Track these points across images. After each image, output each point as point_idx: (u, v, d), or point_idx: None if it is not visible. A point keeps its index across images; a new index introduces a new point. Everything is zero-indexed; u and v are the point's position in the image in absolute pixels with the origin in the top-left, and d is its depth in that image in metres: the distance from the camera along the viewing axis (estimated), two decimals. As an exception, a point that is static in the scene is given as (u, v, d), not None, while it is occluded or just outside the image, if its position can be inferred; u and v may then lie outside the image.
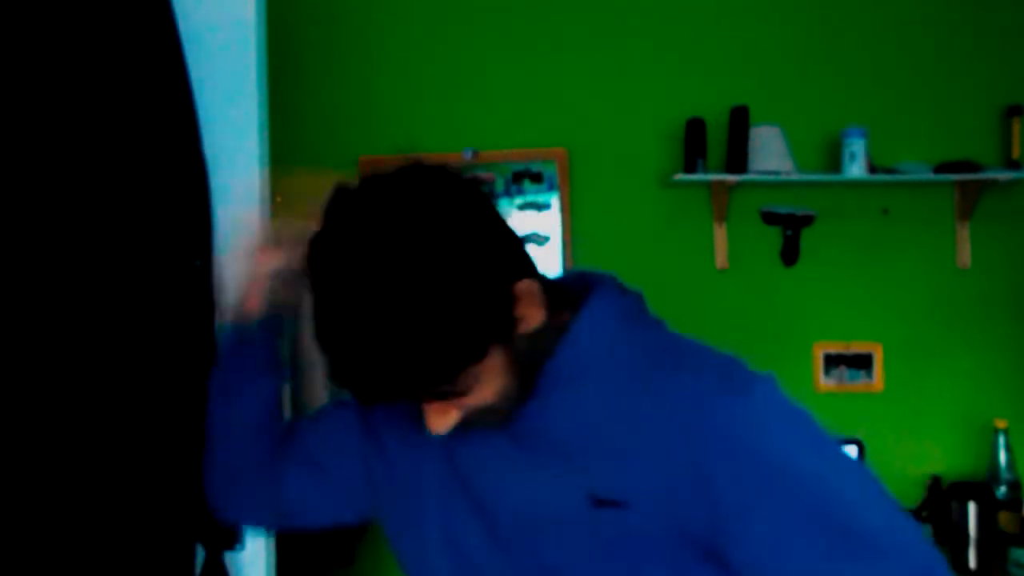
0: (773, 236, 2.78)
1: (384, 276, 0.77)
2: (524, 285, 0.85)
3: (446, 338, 0.78)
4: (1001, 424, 2.57)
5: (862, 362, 2.77)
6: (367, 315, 0.78)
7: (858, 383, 2.77)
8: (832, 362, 2.77)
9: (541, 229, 2.74)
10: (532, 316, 0.86)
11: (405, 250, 0.78)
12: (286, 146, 2.04)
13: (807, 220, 2.75)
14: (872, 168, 2.65)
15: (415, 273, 0.77)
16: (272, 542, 1.40)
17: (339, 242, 0.81)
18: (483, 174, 2.69)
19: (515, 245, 0.87)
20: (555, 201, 2.73)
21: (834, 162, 2.73)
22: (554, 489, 0.87)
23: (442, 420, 0.86)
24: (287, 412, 1.24)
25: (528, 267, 0.88)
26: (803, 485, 0.83)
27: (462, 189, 0.84)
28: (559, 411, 0.89)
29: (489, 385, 0.84)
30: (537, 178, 2.74)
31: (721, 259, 2.75)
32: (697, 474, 0.82)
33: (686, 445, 0.83)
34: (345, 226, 0.82)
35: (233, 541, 1.31)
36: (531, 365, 0.88)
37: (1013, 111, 2.72)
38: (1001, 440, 2.56)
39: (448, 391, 0.83)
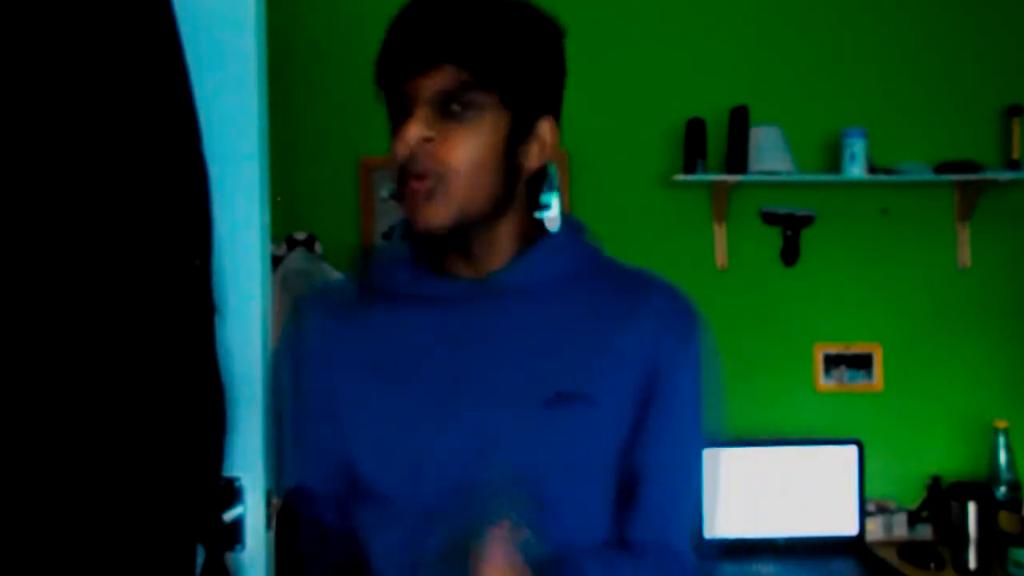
0: (773, 236, 2.78)
1: None
2: (552, 124, 0.98)
3: (523, 46, 0.93)
4: (1001, 424, 2.57)
5: (862, 362, 2.77)
6: None
7: (858, 383, 2.77)
8: (832, 362, 2.77)
9: (541, 229, 2.74)
10: (538, 156, 0.98)
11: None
12: (286, 146, 2.04)
13: (807, 220, 2.76)
14: (872, 168, 2.65)
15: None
16: (272, 542, 1.40)
17: None
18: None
19: (560, 93, 1.02)
20: (555, 201, 2.73)
21: (834, 162, 2.73)
22: (516, 390, 0.94)
23: (422, 126, 0.90)
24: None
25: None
26: (698, 415, 1.03)
27: None
28: (533, 288, 0.98)
29: (480, 136, 0.92)
30: (537, 178, 2.74)
31: (721, 259, 2.75)
32: (650, 371, 0.98)
33: (653, 342, 0.98)
34: None
35: (233, 541, 1.31)
36: (505, 194, 0.96)
37: (1013, 111, 2.72)
38: (1001, 440, 2.56)
39: (472, 83, 0.90)
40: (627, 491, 0.99)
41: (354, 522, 1.02)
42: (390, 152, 0.93)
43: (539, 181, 1.01)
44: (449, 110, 0.91)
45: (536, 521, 0.90)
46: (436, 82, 0.90)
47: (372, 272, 1.04)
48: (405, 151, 0.91)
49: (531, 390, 0.94)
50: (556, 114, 1.01)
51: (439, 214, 0.92)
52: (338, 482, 1.02)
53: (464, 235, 0.95)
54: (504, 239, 0.98)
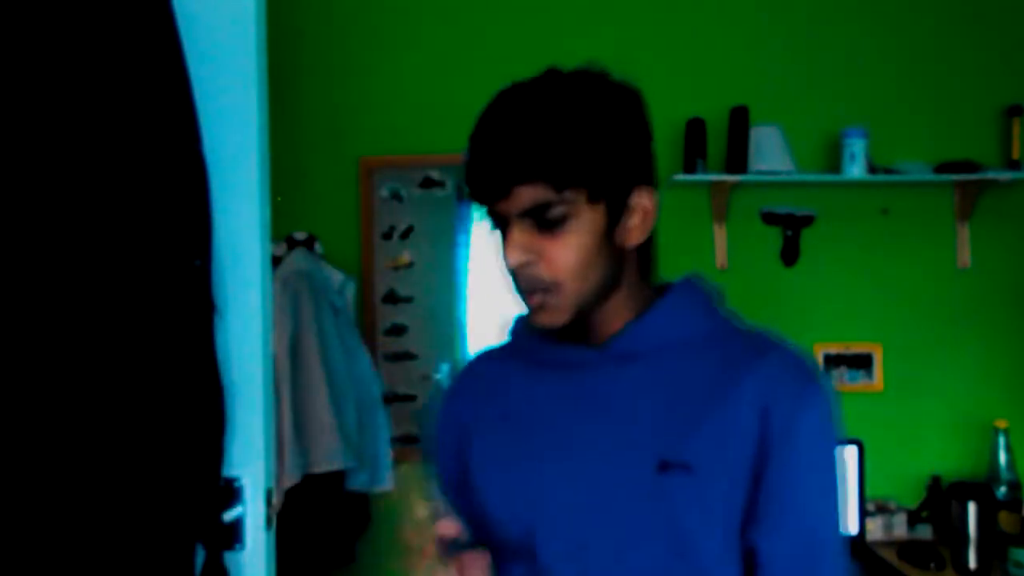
0: (773, 236, 2.78)
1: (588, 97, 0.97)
2: (648, 194, 1.03)
3: (608, 138, 0.97)
4: (1001, 424, 2.57)
5: (862, 362, 2.77)
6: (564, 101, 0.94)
7: (858, 383, 2.77)
8: (832, 362, 2.77)
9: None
10: (641, 228, 1.01)
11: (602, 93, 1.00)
12: (286, 146, 2.04)
13: (807, 220, 2.76)
14: (872, 168, 2.65)
15: (609, 101, 1.01)
16: (272, 542, 1.40)
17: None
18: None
19: (651, 162, 1.09)
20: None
21: (834, 162, 2.73)
22: (624, 452, 0.95)
23: (519, 252, 0.92)
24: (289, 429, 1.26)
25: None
26: (827, 485, 0.96)
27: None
28: (646, 352, 0.98)
29: (579, 238, 0.93)
30: (537, 178, 2.74)
31: (721, 259, 2.75)
32: (762, 434, 0.93)
33: (760, 413, 0.93)
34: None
35: (233, 541, 1.31)
36: (615, 274, 0.98)
37: (1013, 111, 2.72)
38: (1001, 440, 2.56)
39: (560, 198, 0.91)
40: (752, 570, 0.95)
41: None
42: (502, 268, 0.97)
43: (648, 245, 1.06)
44: (543, 220, 0.92)
45: None
46: (520, 203, 0.91)
47: (510, 337, 1.09)
48: (511, 268, 0.94)
49: (636, 456, 0.94)
50: (650, 179, 1.05)
51: (555, 318, 0.95)
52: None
53: (581, 318, 0.97)
54: (619, 309, 1.00)
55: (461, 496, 1.06)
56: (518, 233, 0.92)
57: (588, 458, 0.96)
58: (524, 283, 0.94)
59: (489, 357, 1.13)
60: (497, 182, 0.92)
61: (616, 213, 0.97)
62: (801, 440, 0.92)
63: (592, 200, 0.94)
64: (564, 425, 0.99)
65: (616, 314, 1.00)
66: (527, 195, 0.91)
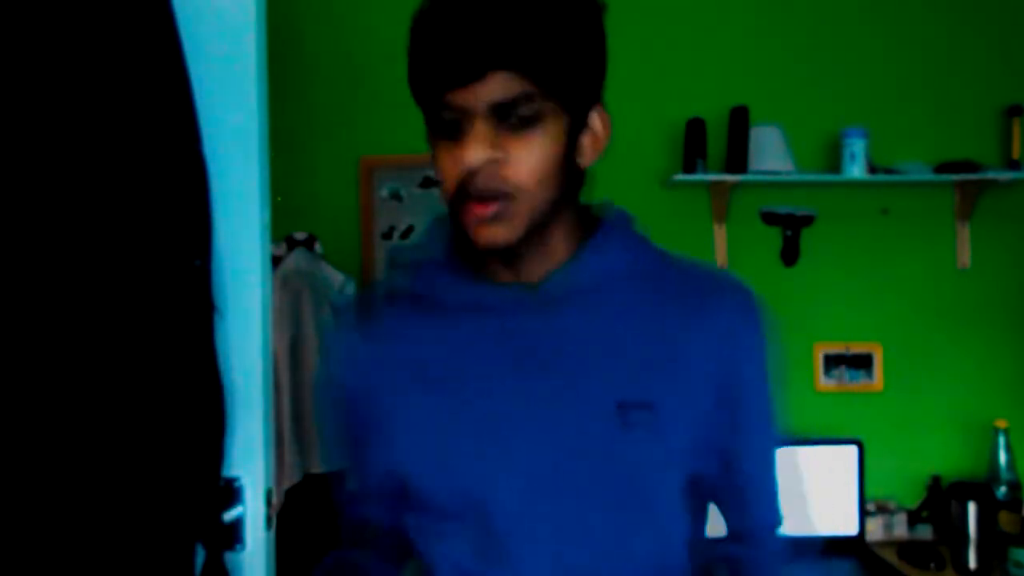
0: (773, 236, 2.78)
1: None
2: (603, 114, 0.94)
3: (583, 42, 0.90)
4: (1001, 424, 2.57)
5: (862, 362, 2.77)
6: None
7: (858, 383, 2.77)
8: (832, 362, 2.77)
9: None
10: (592, 150, 0.93)
11: None
12: (286, 146, 2.04)
13: (807, 220, 2.76)
14: (872, 168, 2.65)
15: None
16: (272, 542, 1.40)
17: None
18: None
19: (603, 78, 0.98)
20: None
21: (834, 162, 2.73)
22: (578, 400, 0.89)
23: (485, 148, 0.82)
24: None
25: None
26: (774, 391, 1.00)
27: None
28: (587, 291, 0.92)
29: (545, 143, 0.84)
30: (537, 178, 2.74)
31: (721, 259, 2.75)
32: (729, 370, 0.93)
33: (723, 347, 0.92)
34: None
35: (233, 541, 1.31)
36: (565, 195, 0.90)
37: (1013, 111, 2.72)
38: (1001, 440, 2.56)
39: (536, 93, 0.82)
40: (725, 486, 0.99)
41: (407, 527, 0.99)
42: (440, 170, 0.85)
43: (585, 176, 0.96)
44: (507, 123, 0.82)
45: (614, 529, 0.90)
46: (492, 91, 0.81)
47: (412, 279, 0.97)
48: (463, 172, 0.82)
49: (592, 402, 0.89)
50: (601, 99, 0.94)
51: (507, 233, 0.85)
52: (391, 487, 0.98)
53: (519, 247, 0.88)
54: (557, 242, 0.92)
55: (371, 462, 0.98)
56: (484, 128, 0.81)
57: (536, 411, 0.89)
58: (483, 186, 0.83)
59: (386, 303, 1.00)
60: (471, 64, 0.79)
61: (577, 127, 0.89)
62: (763, 367, 0.96)
63: (564, 107, 0.86)
64: (501, 376, 0.90)
65: (552, 249, 0.91)
66: (502, 84, 0.80)
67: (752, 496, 1.03)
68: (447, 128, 0.84)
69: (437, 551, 0.95)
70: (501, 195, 0.83)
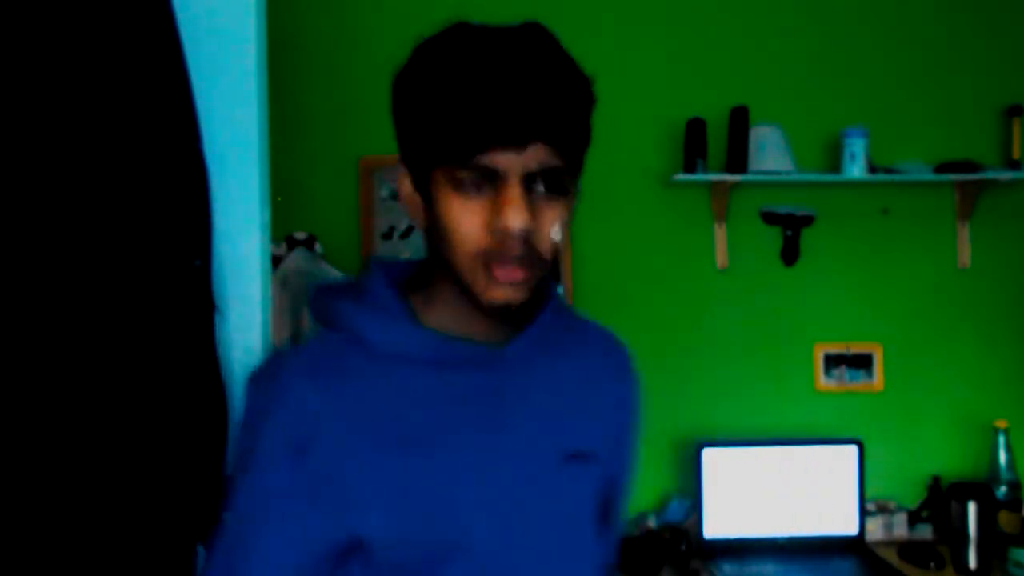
0: (773, 236, 2.78)
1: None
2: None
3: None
4: (1001, 424, 2.57)
5: (862, 362, 2.77)
6: (571, 70, 0.88)
7: (858, 383, 2.77)
8: (832, 362, 2.77)
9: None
10: (570, 212, 0.96)
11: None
12: (286, 146, 2.04)
13: (807, 220, 2.76)
14: (872, 168, 2.65)
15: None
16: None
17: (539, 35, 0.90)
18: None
19: None
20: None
21: (834, 162, 2.73)
22: (532, 447, 0.95)
23: (527, 216, 0.83)
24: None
25: None
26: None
27: None
28: (543, 354, 0.98)
29: (566, 215, 0.89)
30: (537, 178, 2.74)
31: (721, 259, 2.75)
32: (630, 418, 1.09)
33: (619, 399, 1.07)
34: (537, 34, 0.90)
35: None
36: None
37: (1013, 111, 2.72)
38: (1001, 440, 2.56)
39: (565, 167, 0.86)
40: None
41: None
42: (457, 225, 0.85)
43: None
44: (533, 192, 0.85)
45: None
46: (531, 160, 0.83)
47: (365, 329, 0.93)
48: (501, 234, 0.84)
49: (547, 450, 0.95)
50: None
51: (521, 297, 0.87)
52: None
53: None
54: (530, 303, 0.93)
55: (310, 527, 0.89)
56: (518, 194, 0.83)
57: (497, 462, 0.92)
58: (521, 251, 0.84)
59: (333, 351, 0.94)
60: (521, 129, 0.81)
61: (573, 198, 0.92)
62: (636, 415, 1.10)
63: (575, 182, 0.90)
64: (465, 430, 0.91)
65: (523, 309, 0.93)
66: (540, 155, 0.83)
67: (615, 530, 1.10)
68: (470, 186, 0.85)
69: None
70: (533, 263, 0.86)
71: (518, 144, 0.82)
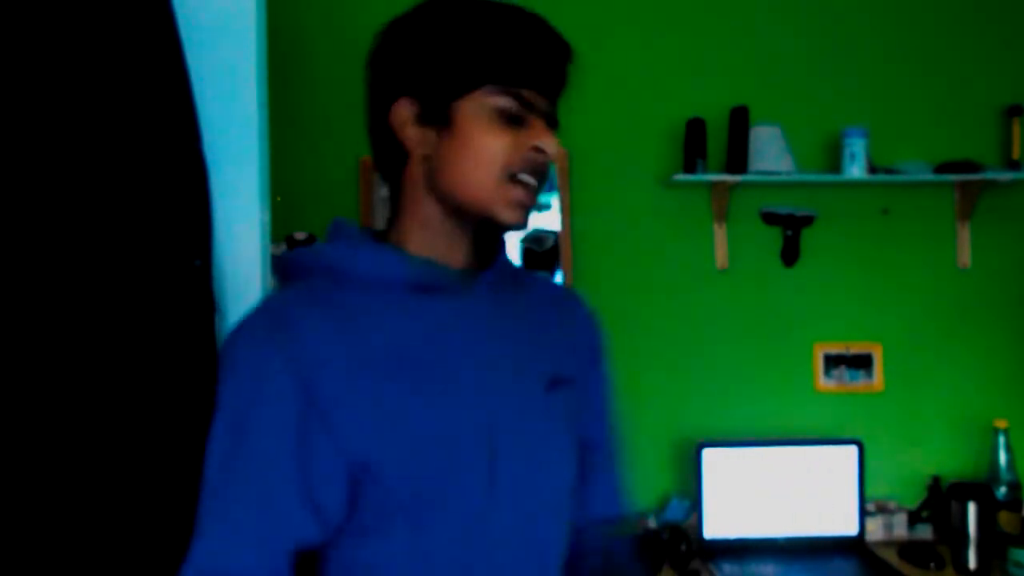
0: (773, 236, 2.78)
1: None
2: None
3: None
4: (1001, 424, 2.57)
5: (862, 362, 2.77)
6: None
7: (858, 383, 2.77)
8: (832, 362, 2.77)
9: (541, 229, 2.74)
10: None
11: None
12: (286, 146, 2.04)
13: (807, 220, 2.76)
14: (872, 168, 2.65)
15: None
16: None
17: None
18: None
19: None
20: (555, 201, 2.74)
21: (834, 162, 2.73)
22: (520, 372, 1.01)
23: (554, 142, 0.98)
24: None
25: None
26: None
27: None
28: (519, 295, 1.07)
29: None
30: (537, 178, 2.74)
31: (721, 259, 2.75)
32: (596, 344, 1.16)
33: (588, 339, 1.15)
34: None
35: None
36: None
37: (1013, 111, 2.72)
38: (1001, 440, 2.56)
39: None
40: (585, 470, 1.11)
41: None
42: (492, 151, 0.97)
43: None
44: (555, 120, 1.02)
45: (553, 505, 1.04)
46: (551, 106, 1.01)
47: (346, 259, 0.99)
48: (538, 158, 0.98)
49: (533, 376, 1.02)
50: None
51: (525, 221, 1.01)
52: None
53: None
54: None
55: (318, 458, 0.91)
56: (545, 130, 0.99)
57: (493, 385, 0.98)
58: (543, 176, 1.00)
59: (311, 294, 0.97)
60: (562, 74, 1.00)
61: None
62: (606, 356, 1.17)
63: None
64: (460, 354, 0.96)
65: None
66: (558, 94, 1.01)
67: (612, 480, 1.17)
68: (502, 115, 0.96)
69: (385, 551, 0.94)
70: (538, 189, 0.99)
71: (559, 86, 1.00)
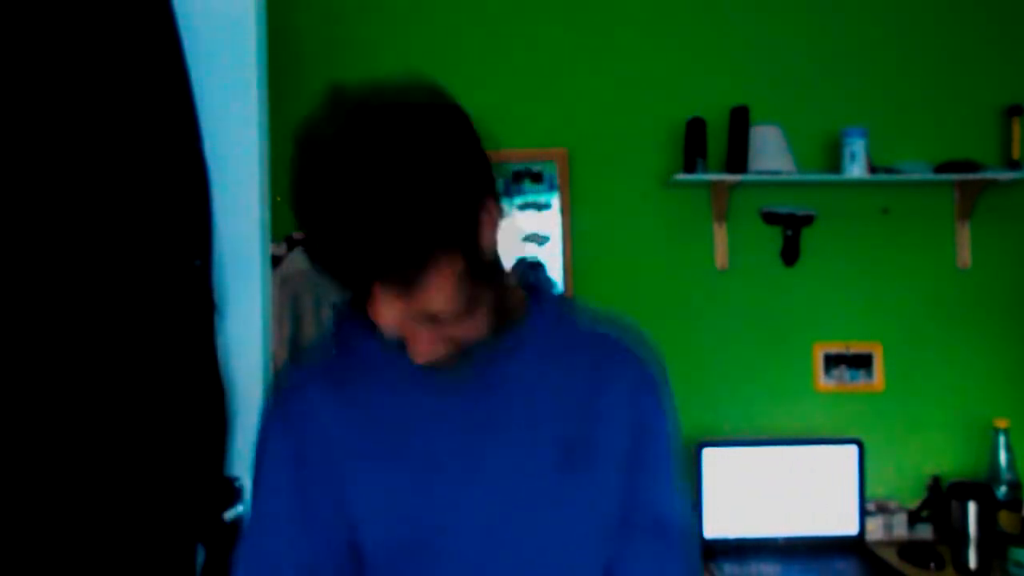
0: (773, 236, 2.78)
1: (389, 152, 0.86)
2: (491, 205, 0.88)
3: (423, 210, 0.81)
4: (1001, 424, 2.57)
5: (862, 362, 2.77)
6: (371, 178, 0.82)
7: (858, 383, 2.77)
8: (832, 362, 2.77)
9: (541, 229, 2.74)
10: (490, 237, 0.88)
11: (404, 136, 0.88)
12: (286, 146, 2.04)
13: (807, 220, 2.76)
14: (872, 168, 2.65)
15: (412, 149, 0.87)
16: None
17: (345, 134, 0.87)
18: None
19: (489, 171, 0.92)
20: (555, 201, 2.74)
21: (834, 162, 2.73)
22: (525, 455, 0.95)
23: (384, 316, 0.84)
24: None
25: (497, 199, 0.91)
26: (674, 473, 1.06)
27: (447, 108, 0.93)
28: (534, 368, 0.97)
29: (442, 289, 0.83)
30: (537, 178, 2.74)
31: (721, 259, 2.75)
32: (639, 421, 1.01)
33: (633, 402, 1.01)
34: (350, 126, 0.87)
35: (233, 541, 1.31)
36: (483, 295, 0.89)
37: (1013, 111, 2.72)
38: (1001, 440, 2.56)
39: (406, 275, 0.81)
40: (626, 547, 1.02)
41: None
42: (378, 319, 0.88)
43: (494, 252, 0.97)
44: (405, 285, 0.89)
45: None
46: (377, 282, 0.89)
47: (352, 354, 0.99)
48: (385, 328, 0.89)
49: (540, 458, 0.96)
50: (492, 191, 0.96)
51: (442, 354, 0.90)
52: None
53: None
54: (486, 319, 0.93)
55: (315, 527, 0.94)
56: (388, 298, 0.86)
57: (487, 464, 0.95)
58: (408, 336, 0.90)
59: (328, 371, 0.99)
60: (362, 280, 0.84)
61: (471, 244, 0.90)
62: (665, 423, 1.03)
63: (452, 235, 0.89)
64: (452, 434, 0.95)
65: (481, 323, 0.93)
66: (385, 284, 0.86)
67: (654, 562, 1.03)
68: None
69: None
70: (435, 336, 0.87)
71: (362, 290, 0.84)
